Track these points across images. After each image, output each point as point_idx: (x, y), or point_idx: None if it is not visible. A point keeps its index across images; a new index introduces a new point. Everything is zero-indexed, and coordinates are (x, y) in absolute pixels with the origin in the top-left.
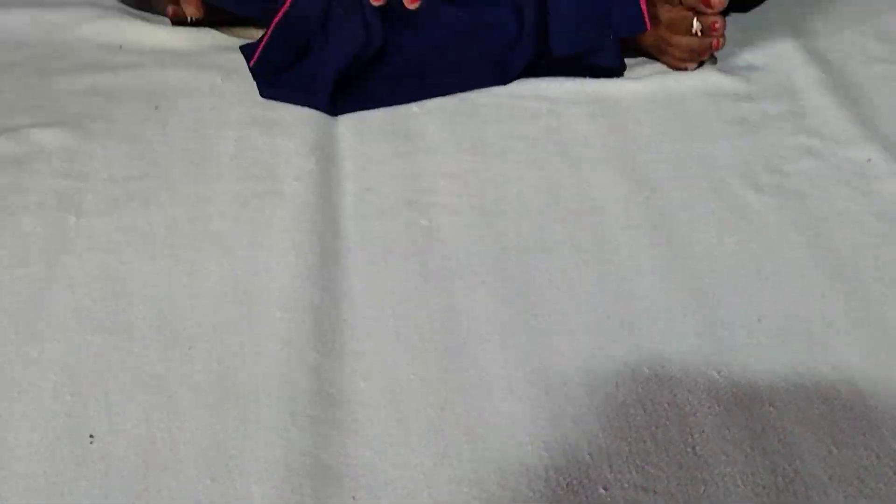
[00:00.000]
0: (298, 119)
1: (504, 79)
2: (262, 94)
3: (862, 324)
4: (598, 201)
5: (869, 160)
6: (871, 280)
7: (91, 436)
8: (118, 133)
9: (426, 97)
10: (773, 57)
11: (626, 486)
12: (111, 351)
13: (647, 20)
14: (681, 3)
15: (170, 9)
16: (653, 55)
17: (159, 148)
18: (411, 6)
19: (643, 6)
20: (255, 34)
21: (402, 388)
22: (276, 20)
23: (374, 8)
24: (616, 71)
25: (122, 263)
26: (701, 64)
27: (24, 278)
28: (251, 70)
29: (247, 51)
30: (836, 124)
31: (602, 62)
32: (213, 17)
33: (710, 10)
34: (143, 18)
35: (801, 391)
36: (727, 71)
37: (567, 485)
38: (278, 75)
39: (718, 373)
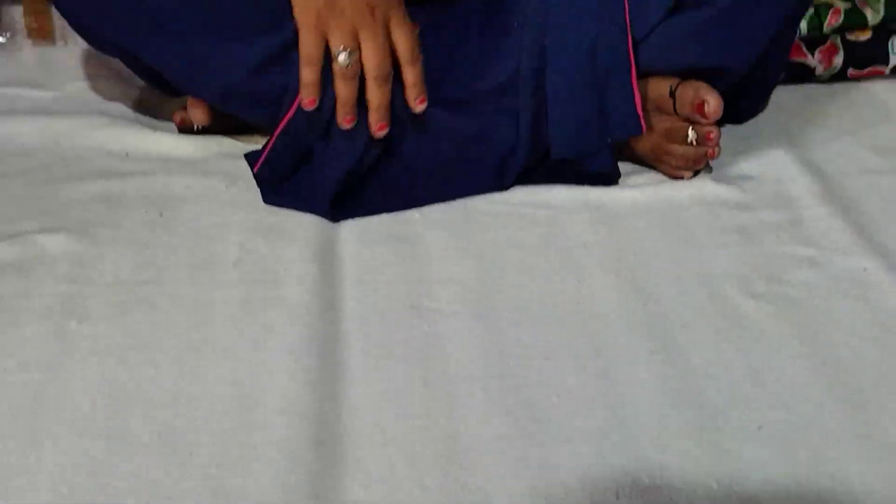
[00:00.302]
0: (301, 224)
1: (502, 185)
2: (265, 201)
3: (862, 434)
4: (596, 308)
5: (865, 269)
6: (870, 389)
7: None
8: (123, 239)
9: (426, 203)
10: (768, 167)
11: None
12: (110, 457)
13: (643, 123)
14: (676, 113)
15: (177, 116)
16: (649, 164)
17: (163, 253)
18: (418, 109)
19: (639, 110)
20: (261, 142)
21: (401, 496)
22: (280, 127)
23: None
24: (611, 177)
25: (123, 369)
26: (697, 173)
27: (25, 384)
28: (255, 176)
29: (251, 157)
30: (833, 234)
31: (596, 167)
32: (220, 125)
33: (704, 121)
34: (151, 127)
35: (801, 502)
36: (723, 180)
37: None
38: (282, 181)
39: (717, 482)
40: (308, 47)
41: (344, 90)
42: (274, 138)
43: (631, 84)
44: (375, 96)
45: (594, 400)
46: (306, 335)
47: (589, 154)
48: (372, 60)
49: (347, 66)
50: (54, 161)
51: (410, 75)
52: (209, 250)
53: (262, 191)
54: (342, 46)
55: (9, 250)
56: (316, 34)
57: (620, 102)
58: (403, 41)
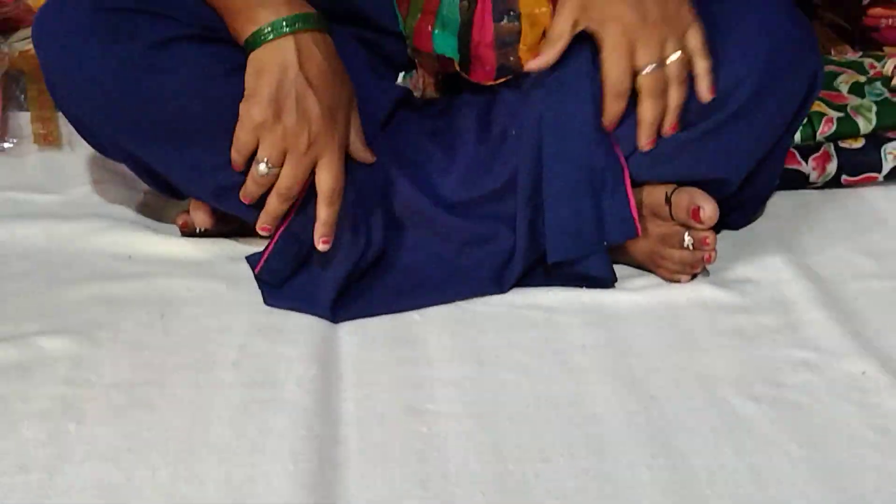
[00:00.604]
0: (301, 326)
1: (501, 289)
2: (266, 302)
3: None
4: (595, 411)
5: (864, 373)
6: (871, 493)
7: None
8: (122, 341)
9: (426, 305)
10: (765, 271)
11: None
12: None
13: (638, 226)
14: (672, 219)
15: (180, 219)
16: (647, 268)
17: (162, 355)
18: (320, 247)
19: (634, 213)
20: (263, 244)
21: None
22: (280, 229)
23: (376, 215)
24: (607, 281)
25: (120, 471)
26: (694, 276)
27: (23, 486)
28: (256, 278)
29: (252, 259)
30: (830, 338)
31: (592, 271)
32: (222, 228)
33: (700, 226)
34: (154, 229)
35: None
36: (721, 284)
37: None
38: (282, 283)
39: None
40: (241, 143)
41: (251, 192)
42: (275, 240)
43: (625, 188)
44: (273, 206)
45: (593, 503)
46: (304, 437)
47: (585, 257)
48: (284, 182)
49: (263, 176)
50: (57, 263)
51: (323, 214)
52: (208, 352)
53: (263, 292)
54: (266, 159)
55: (9, 352)
56: (251, 136)
57: (615, 206)
58: (326, 182)
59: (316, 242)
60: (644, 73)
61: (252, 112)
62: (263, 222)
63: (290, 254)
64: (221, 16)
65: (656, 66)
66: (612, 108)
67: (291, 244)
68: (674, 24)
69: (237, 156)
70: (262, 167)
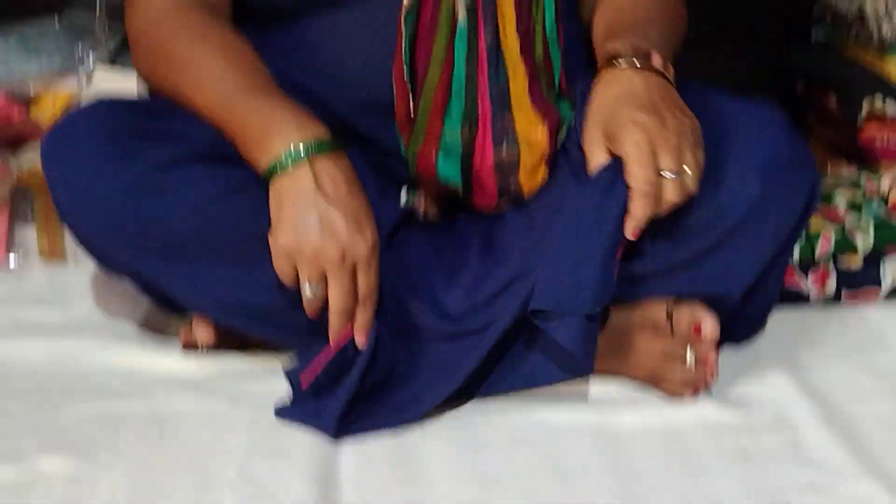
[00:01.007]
0: (302, 445)
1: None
2: (276, 414)
3: None
4: None
5: (870, 498)
6: None
7: None
8: (121, 460)
9: (424, 412)
10: (768, 389)
11: None
12: None
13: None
14: (673, 335)
15: (182, 336)
16: (649, 385)
17: (161, 476)
18: (359, 344)
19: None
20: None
21: None
22: (342, 343)
23: (384, 331)
24: (582, 363)
25: None
26: (696, 394)
27: None
28: (295, 389)
29: (293, 374)
30: (836, 459)
31: (567, 343)
32: (225, 344)
33: (702, 343)
34: (155, 346)
35: None
36: (724, 402)
37: None
38: (319, 396)
39: None
40: (282, 273)
41: (309, 311)
42: (330, 357)
43: (615, 260)
44: (337, 323)
45: None
46: None
47: (566, 325)
48: (336, 302)
49: (313, 298)
50: (58, 381)
51: (360, 317)
52: (207, 472)
53: (276, 406)
54: (308, 281)
55: (6, 471)
56: (287, 265)
57: (608, 273)
58: (363, 285)
59: (358, 344)
60: (666, 176)
61: (280, 241)
62: (334, 338)
63: (339, 370)
64: (232, 141)
65: (676, 174)
66: (639, 211)
67: (343, 360)
68: (689, 137)
69: (286, 284)
70: (308, 290)
